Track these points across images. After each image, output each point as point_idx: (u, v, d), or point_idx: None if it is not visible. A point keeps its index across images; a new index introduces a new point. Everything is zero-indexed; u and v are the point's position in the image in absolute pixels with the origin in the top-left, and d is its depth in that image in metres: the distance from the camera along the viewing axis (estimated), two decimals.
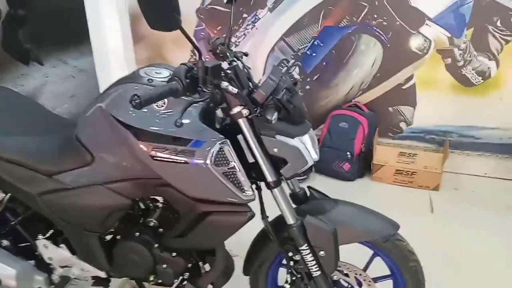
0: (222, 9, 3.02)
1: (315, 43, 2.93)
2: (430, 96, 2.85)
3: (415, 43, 2.74)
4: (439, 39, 2.71)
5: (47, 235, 1.56)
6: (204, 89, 1.15)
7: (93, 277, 1.60)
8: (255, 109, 1.22)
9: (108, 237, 1.55)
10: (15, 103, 1.61)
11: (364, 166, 2.90)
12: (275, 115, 1.17)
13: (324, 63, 2.97)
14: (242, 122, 1.24)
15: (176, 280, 1.52)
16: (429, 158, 2.83)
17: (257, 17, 2.99)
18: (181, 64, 1.17)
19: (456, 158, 2.89)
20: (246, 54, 1.47)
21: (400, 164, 2.80)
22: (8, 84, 2.25)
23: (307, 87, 3.05)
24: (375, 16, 2.74)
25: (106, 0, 3.12)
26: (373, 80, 2.92)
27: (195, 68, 1.14)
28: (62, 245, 1.55)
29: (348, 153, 2.80)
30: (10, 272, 1.54)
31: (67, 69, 2.93)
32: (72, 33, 2.98)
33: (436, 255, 2.12)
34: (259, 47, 3.04)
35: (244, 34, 3.05)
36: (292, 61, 3.01)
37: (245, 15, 3.01)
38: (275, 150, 1.26)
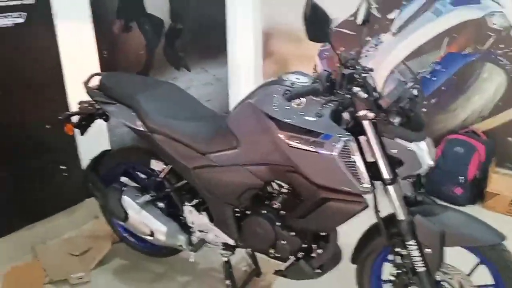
0: (348, 32, 3.26)
1: (437, 68, 3.02)
2: None
3: None
4: None
5: (193, 203, 1.91)
6: (339, 92, 1.40)
7: (223, 244, 1.92)
8: (379, 113, 1.43)
9: (240, 212, 1.86)
10: (179, 95, 2.02)
11: (477, 193, 2.89)
12: (398, 119, 1.38)
13: (443, 88, 3.04)
14: (366, 124, 1.45)
15: (291, 257, 1.77)
16: None
17: (379, 40, 3.18)
18: (324, 70, 1.44)
19: None
20: (371, 70, 1.70)
21: None
22: None
23: (424, 110, 3.14)
24: (501, 46, 2.77)
25: (245, 19, 3.57)
26: (493, 109, 2.92)
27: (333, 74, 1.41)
28: (203, 213, 1.89)
29: (461, 177, 2.82)
30: (162, 228, 1.93)
31: (207, 76, 3.39)
32: (214, 46, 3.46)
33: None
34: (378, 69, 3.21)
35: (366, 55, 3.25)
36: (411, 83, 3.12)
37: (368, 38, 3.22)
38: (394, 151, 1.45)
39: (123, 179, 2.15)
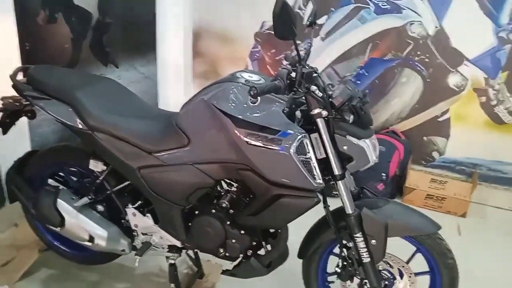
0: None
1: (361, 72, 3.22)
2: (463, 130, 3.10)
3: (453, 80, 3.01)
4: (476, 79, 2.99)
5: (136, 205, 1.82)
6: (299, 90, 1.43)
7: (169, 246, 1.85)
8: (332, 111, 1.49)
9: (188, 213, 1.81)
10: (120, 92, 1.91)
11: (397, 188, 3.13)
12: (352, 117, 1.45)
13: (366, 91, 3.23)
14: (320, 121, 1.50)
15: (241, 255, 1.76)
16: (459, 187, 3.05)
17: (309, 44, 3.30)
18: (283, 68, 1.46)
19: (483, 190, 3.10)
20: (317, 70, 1.76)
21: (431, 189, 3.02)
22: None
23: None
24: (418, 53, 3.04)
25: (175, 18, 3.50)
26: (411, 111, 3.19)
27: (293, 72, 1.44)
28: (148, 215, 1.81)
29: (383, 174, 3.03)
30: (102, 233, 1.81)
31: (135, 74, 3.26)
32: (143, 43, 3.34)
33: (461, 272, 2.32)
34: None
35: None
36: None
37: (298, 42, 3.33)
38: (345, 147, 1.52)
39: (51, 181, 1.98)
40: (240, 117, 1.51)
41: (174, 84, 3.67)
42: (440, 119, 3.13)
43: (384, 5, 3.03)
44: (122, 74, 3.12)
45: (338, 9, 3.16)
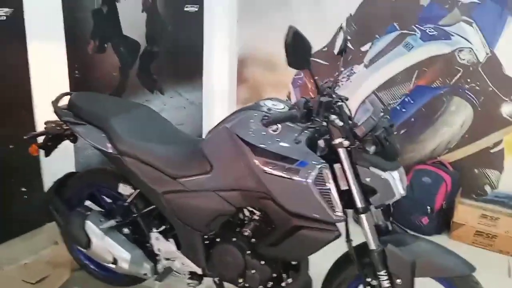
0: (321, 61, 3.32)
1: (406, 99, 3.10)
2: None
3: (506, 109, 2.81)
4: None
5: (160, 229, 1.85)
6: (317, 119, 1.40)
7: (190, 272, 1.85)
8: (355, 141, 1.44)
9: (209, 240, 1.80)
10: (153, 118, 1.98)
11: (443, 223, 2.92)
12: (373, 148, 1.39)
13: (412, 119, 3.12)
14: (342, 152, 1.45)
15: (261, 287, 1.72)
16: None
17: (352, 72, 3.25)
18: (302, 97, 1.44)
19: None
20: (347, 99, 1.72)
21: (481, 226, 2.79)
22: None
23: None
24: (468, 80, 2.88)
25: (221, 46, 3.60)
26: (460, 141, 3.00)
27: (311, 101, 1.41)
28: (170, 240, 1.83)
29: (428, 207, 2.86)
30: (126, 255, 1.85)
31: (180, 100, 3.37)
32: (189, 70, 3.45)
33: None
34: (350, 99, 3.26)
35: (338, 85, 3.31)
36: (381, 114, 3.19)
37: (341, 69, 3.29)
38: (368, 179, 1.45)
39: (88, 203, 2.07)
40: (259, 145, 1.50)
41: (218, 109, 3.74)
42: (492, 151, 2.92)
43: (432, 32, 2.92)
44: (167, 100, 3.24)
45: (382, 36, 3.09)
